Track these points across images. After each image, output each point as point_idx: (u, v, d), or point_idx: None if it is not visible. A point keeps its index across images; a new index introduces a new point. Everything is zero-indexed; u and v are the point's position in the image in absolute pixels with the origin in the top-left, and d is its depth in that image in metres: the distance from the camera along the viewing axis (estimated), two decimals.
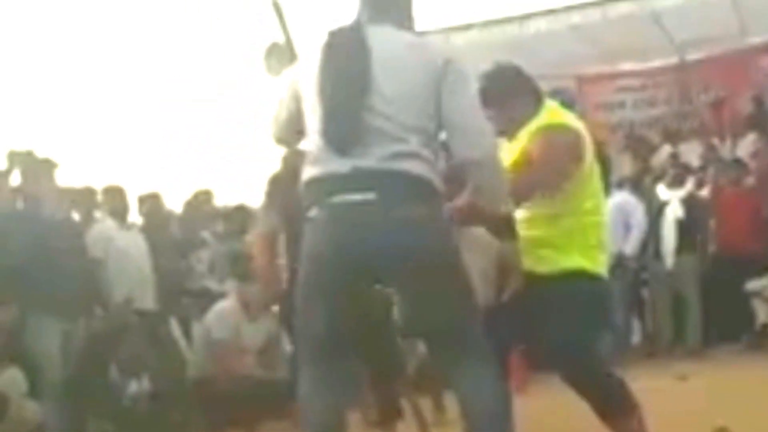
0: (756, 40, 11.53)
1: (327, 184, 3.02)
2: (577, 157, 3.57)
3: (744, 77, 11.66)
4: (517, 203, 3.41)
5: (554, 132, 3.57)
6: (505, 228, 3.23)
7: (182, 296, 7.43)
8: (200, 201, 8.35)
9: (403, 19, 3.18)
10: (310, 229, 3.07)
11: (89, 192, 7.52)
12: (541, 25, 11.43)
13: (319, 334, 3.06)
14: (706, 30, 10.88)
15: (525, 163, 3.53)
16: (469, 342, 3.04)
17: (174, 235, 8.02)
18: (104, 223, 7.08)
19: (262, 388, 5.89)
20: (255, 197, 8.61)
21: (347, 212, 2.98)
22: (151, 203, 7.83)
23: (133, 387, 5.88)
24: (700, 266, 8.79)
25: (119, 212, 7.14)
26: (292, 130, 3.23)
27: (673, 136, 11.43)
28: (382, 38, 3.06)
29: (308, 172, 3.08)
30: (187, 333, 7.13)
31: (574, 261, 3.53)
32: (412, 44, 3.11)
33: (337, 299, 3.03)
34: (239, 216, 8.21)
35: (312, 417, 3.07)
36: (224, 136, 13.30)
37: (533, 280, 3.44)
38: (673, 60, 11.88)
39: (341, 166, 2.99)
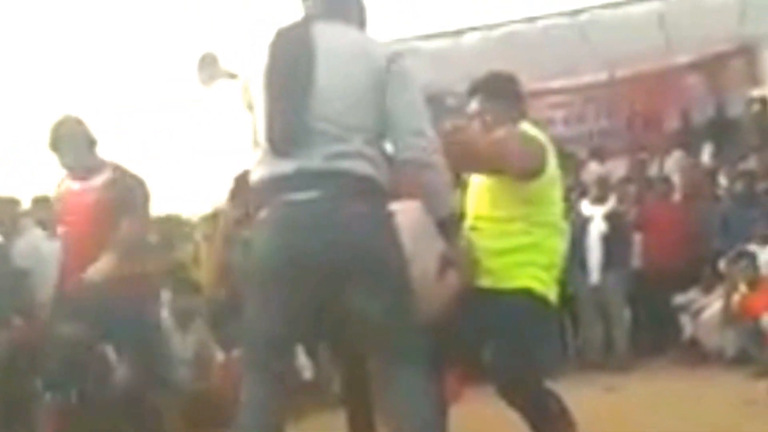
0: (683, 58, 11.77)
1: (273, 185, 3.03)
2: (539, 165, 3.55)
3: (671, 94, 11.90)
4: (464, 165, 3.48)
5: (525, 136, 3.60)
6: (447, 229, 3.20)
7: None
8: None
9: (354, 19, 3.19)
10: (258, 230, 3.08)
11: (12, 202, 7.39)
12: (472, 39, 11.52)
13: (262, 337, 3.06)
14: (632, 47, 11.06)
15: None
16: (406, 349, 3.02)
17: None
18: (32, 233, 6.96)
19: (192, 398, 5.83)
20: (186, 206, 8.55)
21: (291, 212, 2.99)
22: None
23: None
24: (626, 281, 8.90)
25: (48, 222, 7.01)
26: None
27: (600, 152, 11.59)
28: (330, 35, 3.07)
29: (256, 173, 3.11)
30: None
31: (521, 281, 3.51)
32: (359, 42, 3.11)
33: (281, 301, 3.01)
34: (168, 226, 8.12)
35: (249, 421, 3.05)
36: (157, 145, 13.11)
37: (477, 292, 3.44)
38: (602, 76, 12.05)
39: (285, 166, 3.00)
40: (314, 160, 2.98)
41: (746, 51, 11.91)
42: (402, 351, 3.02)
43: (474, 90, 3.70)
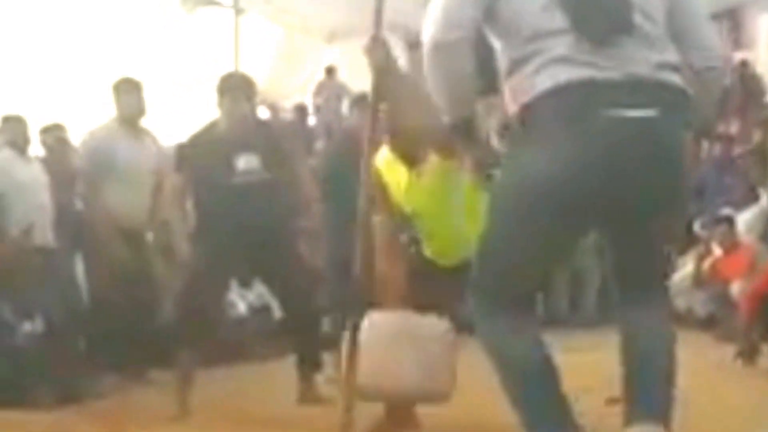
0: None
1: (588, 93, 2.44)
2: None
3: None
4: None
5: None
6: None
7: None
8: None
9: None
10: (549, 145, 2.47)
11: None
12: None
13: (520, 267, 2.63)
14: None
15: None
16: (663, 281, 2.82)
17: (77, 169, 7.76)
18: (3, 154, 6.82)
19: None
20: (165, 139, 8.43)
21: (620, 130, 2.43)
22: (54, 135, 7.56)
23: (27, 326, 5.69)
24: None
25: (19, 143, 6.86)
26: (475, 21, 2.55)
27: None
28: None
29: (551, 77, 2.46)
30: None
31: None
32: None
33: (562, 228, 2.58)
34: None
35: (513, 357, 2.65)
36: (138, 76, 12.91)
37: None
38: None
39: (608, 71, 2.43)
40: (643, 67, 2.46)
41: (730, 14, 11.87)
42: (662, 284, 2.83)
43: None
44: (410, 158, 3.71)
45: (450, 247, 3.80)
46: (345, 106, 12.89)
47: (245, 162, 4.96)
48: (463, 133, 2.67)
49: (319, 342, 5.27)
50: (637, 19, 2.49)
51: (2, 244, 6.05)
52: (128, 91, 6.29)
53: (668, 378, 2.73)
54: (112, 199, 6.14)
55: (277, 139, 5.31)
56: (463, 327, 3.56)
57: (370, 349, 3.42)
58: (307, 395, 5.09)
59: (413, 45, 14.99)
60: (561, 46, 2.46)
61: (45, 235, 6.52)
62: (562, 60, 2.45)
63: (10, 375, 5.34)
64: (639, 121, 2.44)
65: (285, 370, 5.48)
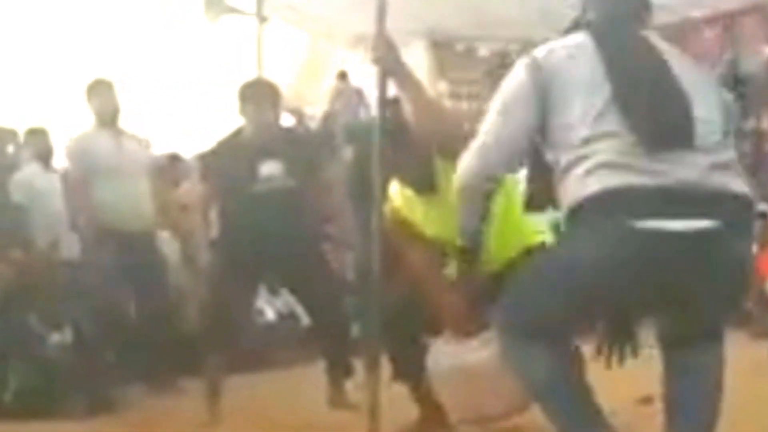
0: (697, 12, 11.62)
1: (635, 199, 2.39)
2: None
3: (684, 49, 11.72)
4: None
5: None
6: None
7: None
8: None
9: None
10: (591, 244, 2.46)
11: (10, 133, 7.26)
12: None
13: (566, 313, 2.62)
14: None
15: None
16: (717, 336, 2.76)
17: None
18: (28, 167, 6.86)
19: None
20: (189, 147, 8.45)
21: (660, 242, 2.38)
22: None
23: (56, 337, 5.70)
24: None
25: (43, 155, 6.89)
26: (518, 153, 2.66)
27: None
28: (653, 39, 2.66)
29: (600, 181, 2.43)
30: None
31: None
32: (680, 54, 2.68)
33: (609, 300, 2.61)
34: (172, 166, 8.03)
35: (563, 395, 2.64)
36: (162, 83, 12.97)
37: None
38: None
39: (659, 177, 2.39)
40: (694, 172, 2.40)
41: (761, 8, 11.77)
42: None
43: None
44: (418, 185, 3.66)
45: (486, 254, 3.74)
46: (363, 111, 12.92)
47: (268, 169, 4.91)
48: (470, 255, 3.03)
49: (348, 348, 5.22)
50: (699, 131, 2.46)
51: (29, 256, 6.04)
52: (100, 92, 6.12)
53: (714, 394, 2.75)
54: (100, 204, 5.94)
55: (303, 146, 5.26)
56: None
57: (457, 382, 3.48)
58: (337, 400, 5.05)
59: (437, 44, 15.02)
60: (613, 149, 2.44)
61: (70, 247, 6.54)
62: (613, 164, 2.43)
63: (41, 385, 5.35)
64: (681, 236, 2.38)
65: (313, 376, 5.44)
